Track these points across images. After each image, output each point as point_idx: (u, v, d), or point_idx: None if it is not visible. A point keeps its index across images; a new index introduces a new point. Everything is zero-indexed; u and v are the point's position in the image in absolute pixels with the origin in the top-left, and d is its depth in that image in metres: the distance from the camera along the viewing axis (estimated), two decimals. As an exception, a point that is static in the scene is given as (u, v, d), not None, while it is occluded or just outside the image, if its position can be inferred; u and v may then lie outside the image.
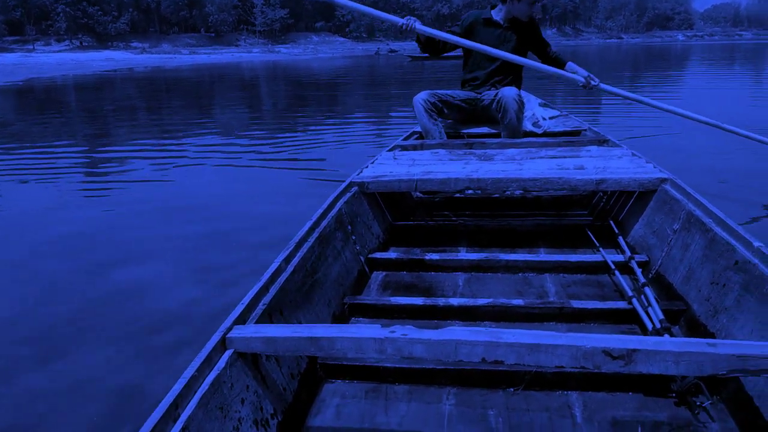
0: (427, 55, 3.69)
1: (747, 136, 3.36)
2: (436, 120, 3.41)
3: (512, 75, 3.55)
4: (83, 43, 65.89)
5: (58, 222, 3.81)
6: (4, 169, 5.91)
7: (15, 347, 2.19)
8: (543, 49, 3.55)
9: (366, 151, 5.43)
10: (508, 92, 3.29)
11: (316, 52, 66.49)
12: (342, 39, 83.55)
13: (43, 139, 8.04)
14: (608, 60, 31.67)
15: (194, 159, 5.99)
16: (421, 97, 3.39)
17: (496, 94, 3.37)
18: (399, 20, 3.08)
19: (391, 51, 57.63)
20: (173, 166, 5.63)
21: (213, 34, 74.43)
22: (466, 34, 3.42)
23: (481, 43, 3.22)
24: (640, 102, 3.31)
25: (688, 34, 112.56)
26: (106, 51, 58.80)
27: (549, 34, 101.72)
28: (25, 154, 6.98)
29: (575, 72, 3.32)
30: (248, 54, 61.66)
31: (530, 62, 3.21)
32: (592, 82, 3.21)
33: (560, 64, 3.45)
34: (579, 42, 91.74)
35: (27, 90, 19.09)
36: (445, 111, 3.51)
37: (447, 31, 3.31)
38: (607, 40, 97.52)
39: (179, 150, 6.70)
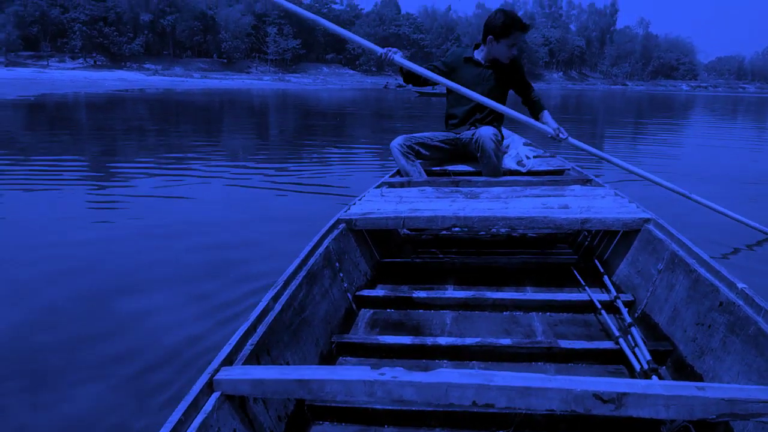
0: (433, 90, 3.77)
1: (721, 212, 3.42)
2: (414, 161, 3.45)
3: (493, 113, 3.47)
4: (97, 62, 66.86)
5: (58, 241, 3.83)
6: (10, 182, 6.00)
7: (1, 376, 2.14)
8: (525, 90, 3.56)
9: (369, 181, 5.50)
10: (485, 132, 3.32)
11: (326, 83, 67.42)
12: (352, 71, 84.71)
13: (51, 155, 8.12)
14: (612, 105, 32.09)
15: (198, 182, 6.08)
16: (397, 142, 3.46)
17: (474, 133, 3.40)
18: (379, 50, 3.10)
19: (400, 86, 58.11)
20: (176, 188, 5.70)
21: (225, 60, 75.57)
22: (449, 71, 3.48)
23: (461, 81, 3.26)
24: (607, 161, 3.30)
25: (693, 84, 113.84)
26: (118, 71, 59.69)
27: (555, 77, 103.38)
28: (32, 168, 7.07)
29: (546, 123, 3.32)
30: (259, 81, 62.50)
31: (502, 107, 3.16)
32: (561, 135, 3.20)
33: (537, 110, 3.47)
34: (584, 87, 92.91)
35: (39, 105, 19.35)
36: (423, 152, 3.54)
37: (429, 66, 3.37)
38: (612, 86, 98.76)
39: (184, 173, 6.79)
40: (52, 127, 12.81)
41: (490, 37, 3.37)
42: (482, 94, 3.20)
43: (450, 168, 3.60)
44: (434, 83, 3.33)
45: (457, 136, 3.58)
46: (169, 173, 6.78)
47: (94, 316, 2.66)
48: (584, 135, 13.33)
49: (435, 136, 3.61)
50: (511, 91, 3.59)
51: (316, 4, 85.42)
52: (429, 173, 3.53)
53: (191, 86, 41.81)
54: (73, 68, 60.36)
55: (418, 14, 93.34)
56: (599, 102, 36.31)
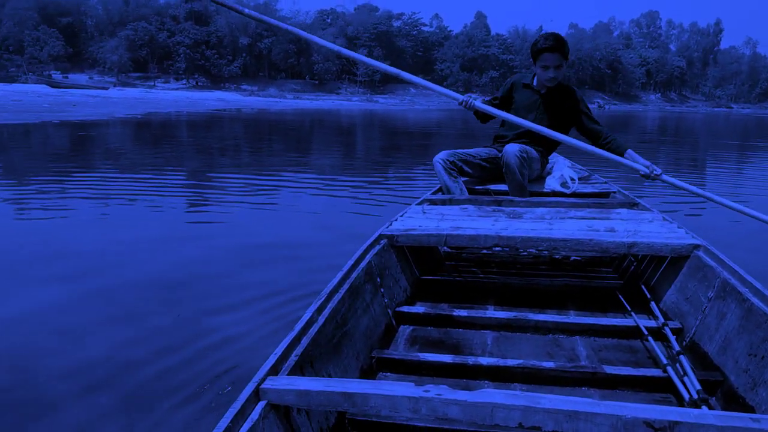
0: None
1: None
2: (456, 178, 3.43)
3: (545, 139, 3.34)
4: (198, 83, 70.78)
5: (156, 252, 4.03)
6: (115, 193, 6.44)
7: (97, 393, 2.18)
8: (587, 125, 3.43)
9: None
10: (510, 148, 3.29)
11: (413, 103, 67.93)
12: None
13: (154, 169, 8.68)
14: (716, 128, 30.31)
15: (288, 199, 6.26)
16: (440, 157, 3.44)
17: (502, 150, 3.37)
18: (459, 97, 3.14)
19: (487, 106, 57.81)
20: (267, 204, 5.90)
21: (316, 82, 77.90)
22: (506, 95, 3.57)
23: (516, 104, 3.43)
24: (709, 199, 2.90)
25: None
26: (218, 91, 62.82)
27: (652, 98, 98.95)
28: (136, 181, 7.53)
29: (634, 160, 3.09)
30: (348, 102, 63.91)
31: (557, 135, 3.01)
32: (655, 172, 2.94)
33: (617, 147, 3.24)
34: (684, 109, 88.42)
35: (145, 123, 20.67)
36: (466, 169, 3.52)
37: (492, 100, 3.55)
38: (715, 109, 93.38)
39: (274, 189, 7.01)
40: (156, 143, 13.62)
41: (531, 61, 3.41)
42: (534, 120, 3.19)
43: (492, 187, 3.58)
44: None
45: (499, 154, 3.50)
46: (260, 190, 7.01)
47: (183, 332, 2.70)
48: (684, 160, 12.65)
49: (478, 153, 3.59)
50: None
51: (406, 27, 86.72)
52: (470, 192, 3.50)
53: (284, 106, 43.34)
54: (177, 89, 64.13)
55: (508, 35, 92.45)
56: (701, 125, 34.43)
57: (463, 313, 2.27)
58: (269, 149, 13.44)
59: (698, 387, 1.63)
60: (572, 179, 3.58)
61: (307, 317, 1.61)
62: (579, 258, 3.16)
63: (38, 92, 38.69)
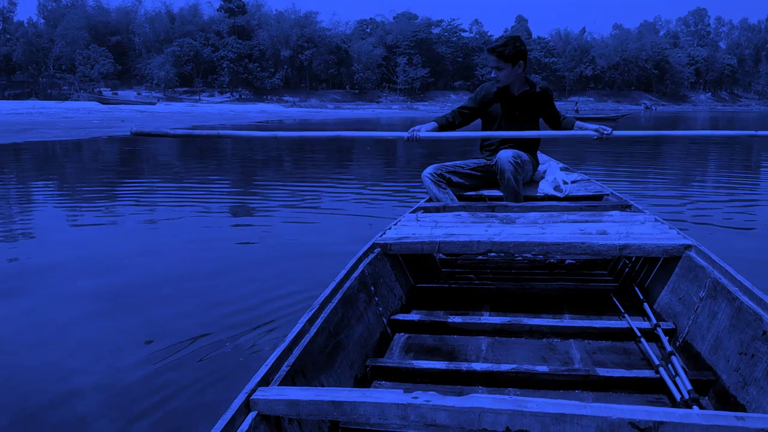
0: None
1: None
2: (445, 189, 3.49)
3: (527, 140, 3.58)
4: (242, 96, 72.25)
5: (196, 257, 4.07)
6: (163, 202, 6.60)
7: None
8: (555, 119, 3.64)
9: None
10: (503, 154, 3.35)
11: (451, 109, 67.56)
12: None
13: (199, 180, 8.82)
14: (770, 128, 29.13)
15: (331, 205, 6.22)
16: (428, 172, 3.50)
17: (495, 158, 3.45)
18: (404, 135, 3.29)
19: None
20: (308, 214, 5.87)
21: (357, 91, 78.57)
22: (481, 105, 3.61)
23: (492, 113, 3.55)
24: (659, 137, 3.29)
25: None
26: (260, 104, 63.91)
27: (702, 98, 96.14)
28: (183, 191, 7.70)
29: (584, 129, 3.38)
30: (388, 110, 64.12)
31: (532, 133, 3.24)
32: (605, 132, 3.25)
33: (569, 125, 3.53)
34: (736, 108, 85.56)
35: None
36: (455, 180, 3.56)
37: (460, 109, 3.63)
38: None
39: (316, 199, 6.99)
40: (202, 156, 13.85)
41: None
42: (510, 123, 3.46)
43: (485, 193, 3.60)
44: (468, 122, 3.63)
45: (488, 162, 3.61)
46: (301, 199, 7.01)
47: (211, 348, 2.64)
48: (737, 160, 12.17)
49: (467, 164, 3.65)
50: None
51: (446, 33, 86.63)
52: (462, 198, 3.55)
53: (325, 116, 43.74)
54: (221, 102, 65.60)
55: (550, 37, 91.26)
56: (754, 124, 33.14)
57: (457, 319, 2.26)
58: (311, 158, 13.51)
59: (689, 387, 1.64)
60: (565, 182, 3.59)
61: (299, 328, 1.61)
62: (573, 261, 3.15)
63: (89, 109, 40.06)
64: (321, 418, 1.42)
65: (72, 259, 4.18)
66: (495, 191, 3.57)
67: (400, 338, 2.24)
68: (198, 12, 79.12)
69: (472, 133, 3.20)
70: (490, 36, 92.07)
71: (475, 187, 3.67)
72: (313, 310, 1.73)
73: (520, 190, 3.42)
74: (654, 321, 2.15)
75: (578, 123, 3.48)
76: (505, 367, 1.86)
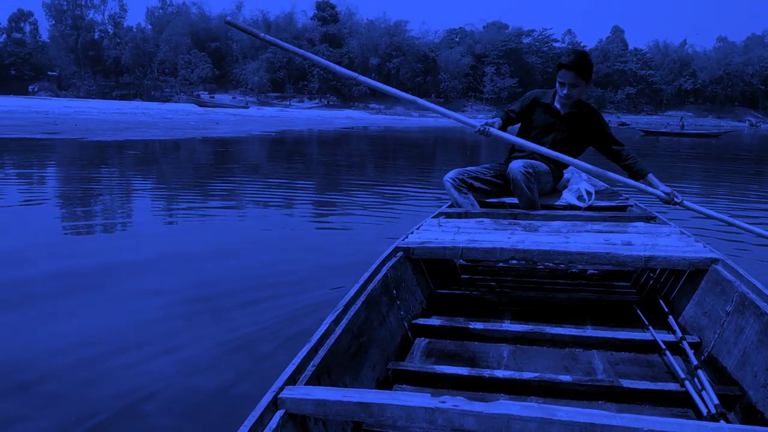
0: (665, 129, 3.58)
1: None
2: (466, 194, 3.46)
3: (547, 158, 3.38)
4: (330, 102, 73.84)
5: (278, 256, 4.17)
6: (251, 199, 6.95)
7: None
8: (607, 145, 3.45)
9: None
10: (515, 164, 3.31)
11: (541, 121, 66.09)
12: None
13: (285, 181, 9.09)
14: None
15: (413, 216, 6.22)
16: (449, 176, 3.47)
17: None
18: (476, 124, 3.18)
19: (622, 124, 55.01)
20: (391, 220, 5.89)
21: (442, 100, 78.32)
22: (524, 112, 3.52)
23: (534, 123, 3.46)
24: (735, 225, 2.91)
25: None
26: (347, 110, 65.11)
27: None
28: (270, 190, 7.98)
29: (653, 185, 3.10)
30: (473, 119, 63.40)
31: (570, 160, 3.10)
32: (676, 199, 3.01)
33: (637, 171, 3.26)
34: None
35: (279, 140, 21.79)
36: (476, 185, 3.52)
37: (508, 111, 3.50)
38: None
39: (398, 208, 7.01)
40: (289, 158, 14.27)
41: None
42: (551, 143, 3.33)
43: (507, 200, 3.56)
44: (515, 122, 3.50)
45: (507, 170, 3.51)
46: (383, 206, 7.05)
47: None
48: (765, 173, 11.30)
49: (488, 170, 3.60)
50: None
51: (536, 43, 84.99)
52: (484, 205, 3.52)
53: (410, 124, 43.96)
54: (310, 107, 67.33)
55: (648, 49, 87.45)
56: None
57: (479, 325, 2.25)
58: (393, 164, 13.60)
59: (716, 401, 1.61)
60: (588, 193, 3.55)
61: (325, 328, 1.62)
62: (596, 271, 3.12)
63: (187, 111, 42.24)
64: (347, 419, 1.42)
65: (156, 254, 4.40)
66: (515, 199, 3.52)
67: (421, 343, 2.24)
68: (293, 20, 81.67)
69: (533, 145, 3.17)
70: (583, 47, 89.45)
71: (497, 194, 3.63)
72: (338, 311, 1.73)
73: (535, 199, 3.35)
74: (679, 334, 2.12)
75: (651, 177, 3.18)
76: (527, 375, 1.85)
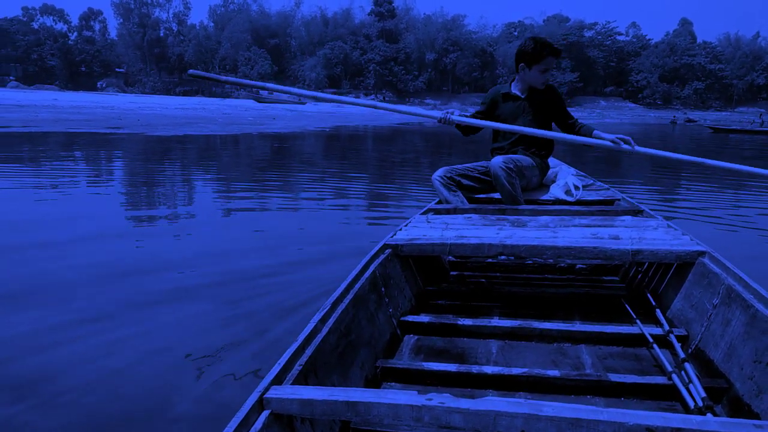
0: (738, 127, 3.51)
1: None
2: (456, 191, 3.47)
3: (537, 143, 3.58)
4: (385, 98, 73.88)
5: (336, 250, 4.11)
6: (307, 191, 7.12)
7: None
8: (565, 120, 3.59)
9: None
10: (495, 161, 3.36)
11: (603, 116, 64.20)
12: (632, 105, 79.48)
13: (339, 175, 9.07)
14: None
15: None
16: (438, 174, 3.50)
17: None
18: (437, 114, 3.34)
19: (689, 120, 52.76)
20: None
21: (500, 95, 77.23)
22: (489, 109, 3.62)
23: (501, 116, 3.53)
24: (681, 161, 3.17)
25: None
26: (401, 105, 64.87)
27: None
28: (324, 183, 8.13)
29: (602, 138, 3.29)
30: (433, 111, 62.22)
31: (546, 133, 3.32)
32: (624, 145, 3.19)
33: (587, 131, 3.46)
34: None
35: (333, 135, 21.90)
36: (465, 182, 3.54)
37: (475, 114, 3.61)
38: None
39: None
40: (343, 154, 14.27)
41: (522, 64, 3.48)
42: (521, 125, 3.42)
43: (495, 196, 3.55)
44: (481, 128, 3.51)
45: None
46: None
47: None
48: (616, 162, 10.46)
49: (475, 167, 3.61)
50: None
51: (599, 37, 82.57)
52: (472, 201, 3.53)
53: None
54: (366, 103, 67.62)
55: (718, 42, 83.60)
56: None
57: (467, 322, 2.25)
58: (447, 161, 13.34)
59: (703, 394, 1.62)
60: (576, 187, 3.55)
61: (311, 327, 1.60)
62: (584, 266, 3.13)
63: (245, 106, 43.14)
64: (334, 418, 1.41)
65: (187, 254, 4.36)
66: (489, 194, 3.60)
67: (409, 340, 2.23)
68: (350, 16, 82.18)
69: (496, 124, 3.36)
70: (649, 40, 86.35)
71: (485, 191, 3.63)
72: (325, 310, 1.72)
73: (517, 194, 3.37)
74: (666, 327, 2.12)
75: (597, 132, 3.41)
76: (516, 370, 1.85)
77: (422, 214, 3.11)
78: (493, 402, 1.21)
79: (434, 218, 2.97)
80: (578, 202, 3.45)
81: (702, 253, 2.23)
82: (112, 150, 13.02)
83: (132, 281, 3.50)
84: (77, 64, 77.80)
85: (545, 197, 3.54)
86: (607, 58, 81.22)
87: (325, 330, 1.65)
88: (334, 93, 73.37)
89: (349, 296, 1.91)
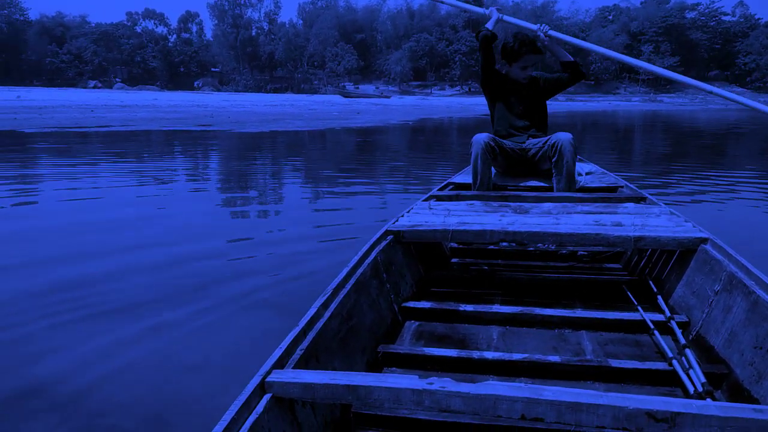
0: None
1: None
2: (489, 166, 3.41)
3: (540, 123, 3.64)
4: (471, 89, 72.85)
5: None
6: (392, 183, 7.09)
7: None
8: (559, 78, 3.68)
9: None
10: (564, 136, 3.28)
11: (706, 102, 60.22)
12: (739, 89, 73.83)
13: (427, 168, 8.98)
14: None
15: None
16: (482, 138, 3.36)
17: (549, 139, 3.37)
18: (480, 10, 3.65)
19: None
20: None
21: (592, 82, 74.16)
22: (501, 84, 3.62)
23: (509, 99, 3.61)
24: (609, 57, 3.34)
25: None
26: (489, 96, 63.80)
27: None
28: (411, 176, 8.11)
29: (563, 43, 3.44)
30: (626, 102, 59.49)
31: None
32: (540, 35, 3.38)
33: (566, 65, 3.63)
34: None
35: (416, 128, 21.74)
36: (498, 157, 3.48)
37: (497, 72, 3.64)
38: None
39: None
40: (429, 147, 14.08)
41: (504, 62, 3.57)
42: (525, 110, 3.60)
43: (517, 184, 3.58)
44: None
45: (524, 145, 3.54)
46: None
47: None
48: (619, 150, 8.85)
49: (506, 143, 3.54)
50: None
51: (702, 18, 77.40)
52: (496, 187, 3.53)
53: (556, 108, 41.76)
54: (450, 95, 67.01)
55: (840, 17, 76.12)
56: None
57: (468, 308, 2.25)
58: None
59: (703, 380, 1.63)
60: (579, 174, 3.53)
61: (313, 312, 1.61)
62: (586, 252, 3.11)
63: (332, 102, 43.77)
64: (335, 402, 1.39)
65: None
66: (525, 182, 3.58)
67: (411, 325, 2.23)
68: (436, 8, 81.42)
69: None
70: (758, 19, 79.98)
71: (507, 171, 3.62)
72: (327, 295, 1.72)
73: (576, 177, 3.38)
74: (668, 314, 2.13)
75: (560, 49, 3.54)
76: (516, 356, 1.85)
77: (424, 200, 3.11)
78: (493, 386, 1.21)
79: (436, 205, 2.97)
80: (581, 189, 3.44)
81: (704, 240, 2.24)
82: (198, 147, 13.46)
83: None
84: (176, 65, 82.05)
85: (549, 184, 3.53)
86: (711, 40, 76.11)
87: (326, 315, 1.66)
88: (419, 85, 73.15)
89: (351, 282, 1.92)
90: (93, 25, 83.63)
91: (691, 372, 1.69)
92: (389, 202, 6.24)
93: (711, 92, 2.95)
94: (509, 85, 3.63)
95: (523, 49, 3.46)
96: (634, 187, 3.44)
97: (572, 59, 3.58)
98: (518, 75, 3.58)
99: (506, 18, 3.47)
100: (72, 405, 2.04)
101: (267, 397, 1.26)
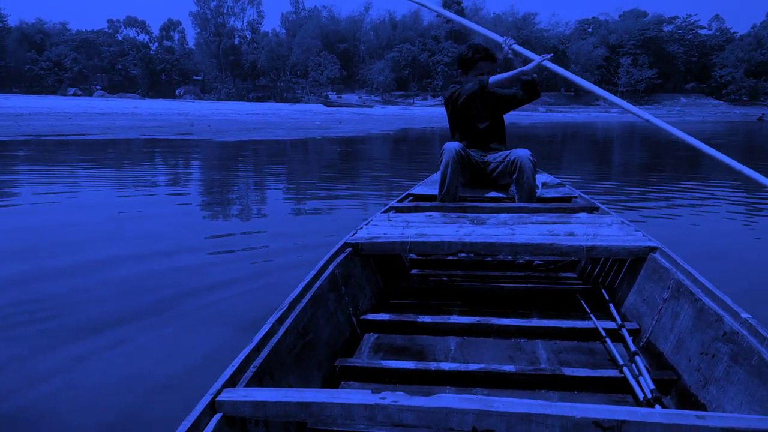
0: None
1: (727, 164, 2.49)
2: (458, 175, 3.41)
3: (500, 136, 3.72)
4: (453, 99, 73.41)
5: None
6: (371, 192, 7.01)
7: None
8: (515, 95, 3.71)
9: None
10: (523, 153, 3.34)
11: (683, 114, 61.14)
12: (716, 101, 75.34)
13: (409, 176, 9.02)
14: None
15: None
16: (454, 146, 3.37)
17: (508, 155, 3.42)
18: (499, 38, 3.39)
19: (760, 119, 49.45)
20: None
21: (572, 94, 75.00)
22: (454, 101, 3.57)
23: (473, 113, 3.64)
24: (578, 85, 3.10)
25: None
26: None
27: None
28: (393, 187, 7.97)
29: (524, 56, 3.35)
30: (605, 114, 60.18)
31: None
32: (505, 48, 3.37)
33: (525, 83, 3.64)
34: None
35: (397, 138, 21.80)
36: (466, 168, 3.50)
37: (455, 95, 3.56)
38: None
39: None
40: (410, 157, 14.13)
41: (460, 71, 3.61)
42: (487, 119, 3.67)
43: (476, 194, 3.64)
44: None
45: (485, 159, 3.59)
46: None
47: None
48: (577, 163, 9.15)
49: (471, 154, 3.56)
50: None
51: (679, 31, 78.92)
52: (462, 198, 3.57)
53: (535, 120, 42.28)
54: (432, 105, 67.17)
55: (813, 32, 77.95)
56: None
57: (427, 319, 2.26)
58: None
59: (652, 386, 1.65)
60: (538, 187, 3.56)
61: (267, 328, 1.59)
62: (541, 262, 3.16)
63: (314, 111, 43.75)
64: (288, 420, 1.39)
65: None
66: (484, 194, 3.64)
67: (369, 338, 2.23)
68: (419, 18, 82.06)
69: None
70: (733, 33, 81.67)
71: (468, 182, 3.63)
72: (282, 310, 1.71)
73: (536, 190, 3.42)
74: (619, 321, 2.16)
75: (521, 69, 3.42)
76: (473, 366, 1.87)
77: (383, 212, 3.14)
78: (445, 399, 1.22)
79: (395, 216, 3.01)
80: (537, 200, 3.49)
81: (653, 249, 2.29)
82: (178, 156, 13.37)
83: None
84: (158, 73, 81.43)
85: (506, 195, 3.61)
86: (687, 53, 77.54)
87: (281, 330, 1.64)
88: (402, 95, 73.46)
89: (308, 296, 1.90)
90: (73, 32, 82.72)
91: (641, 379, 1.72)
92: (371, 212, 6.26)
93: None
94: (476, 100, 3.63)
95: (477, 56, 3.49)
96: (588, 198, 3.51)
97: (531, 78, 3.49)
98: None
99: (513, 46, 3.42)
100: (6, 426, 1.94)
101: (217, 416, 1.24)
